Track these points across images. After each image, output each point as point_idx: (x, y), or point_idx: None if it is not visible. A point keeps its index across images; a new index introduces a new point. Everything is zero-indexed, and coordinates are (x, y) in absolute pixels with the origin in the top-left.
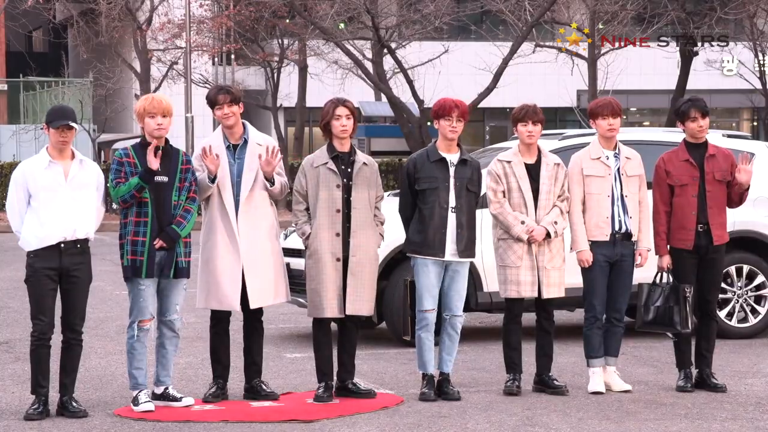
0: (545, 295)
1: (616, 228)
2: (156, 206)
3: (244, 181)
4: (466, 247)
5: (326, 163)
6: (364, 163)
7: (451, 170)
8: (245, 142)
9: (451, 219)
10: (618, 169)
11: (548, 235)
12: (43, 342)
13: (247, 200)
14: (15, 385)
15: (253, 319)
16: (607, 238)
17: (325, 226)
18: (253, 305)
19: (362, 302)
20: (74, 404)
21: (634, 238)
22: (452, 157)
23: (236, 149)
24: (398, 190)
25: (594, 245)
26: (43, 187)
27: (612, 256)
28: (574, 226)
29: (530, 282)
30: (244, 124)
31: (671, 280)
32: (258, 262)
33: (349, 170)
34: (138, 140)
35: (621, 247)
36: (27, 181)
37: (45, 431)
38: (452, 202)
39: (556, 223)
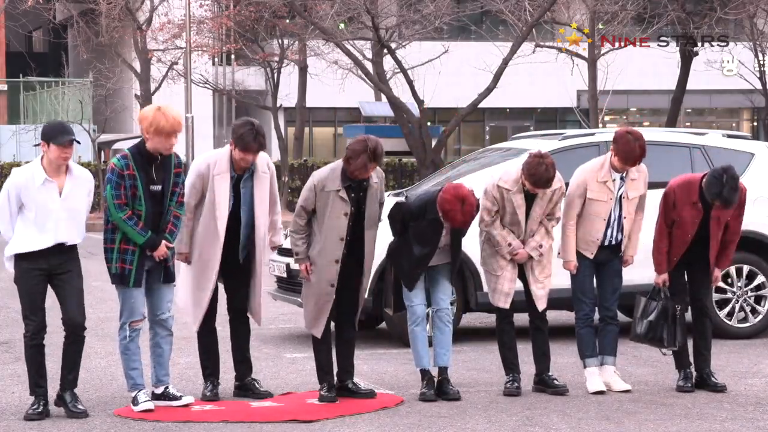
0: (540, 308)
1: (605, 244)
2: (149, 216)
3: (259, 212)
4: (453, 256)
5: (338, 190)
6: (375, 181)
7: (446, 226)
8: (251, 173)
9: (437, 253)
10: (621, 194)
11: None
12: (36, 341)
13: (260, 228)
14: (15, 385)
15: (241, 318)
16: (592, 256)
17: (327, 252)
18: (259, 322)
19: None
20: (76, 404)
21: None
22: None
23: (239, 179)
24: (397, 191)
25: (580, 254)
26: (36, 203)
27: (600, 259)
28: (567, 237)
29: (505, 293)
30: None
31: (666, 294)
32: (256, 280)
33: (361, 194)
34: (135, 145)
35: (607, 251)
36: (20, 195)
37: (45, 431)
38: (441, 243)
39: (540, 246)
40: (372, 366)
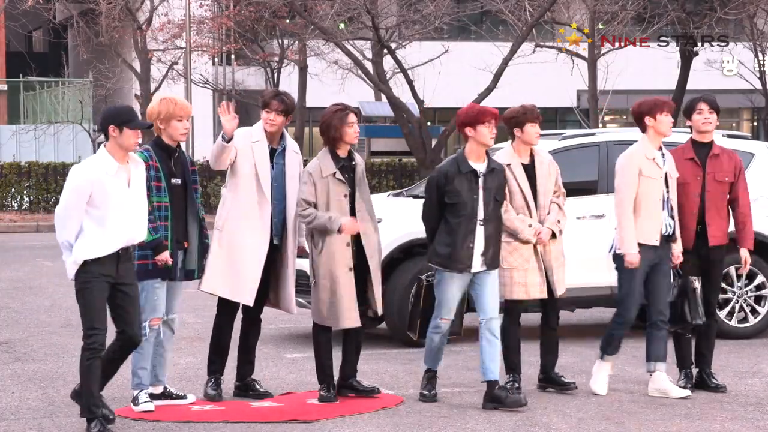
0: (558, 294)
1: (663, 231)
2: (174, 210)
3: (290, 188)
4: (493, 258)
5: (334, 173)
6: (360, 161)
7: (480, 181)
8: (283, 149)
9: (480, 232)
10: (666, 172)
11: (553, 235)
12: (99, 354)
13: (290, 206)
14: (15, 385)
15: (255, 317)
16: (657, 243)
17: (335, 238)
18: (293, 310)
19: (379, 302)
20: (108, 410)
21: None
22: (481, 166)
23: (273, 153)
24: (398, 191)
25: (641, 248)
26: (110, 195)
27: (653, 260)
28: (626, 226)
29: (539, 283)
30: (282, 132)
31: (679, 272)
32: (289, 269)
33: (351, 175)
34: (152, 140)
35: (661, 249)
36: (93, 190)
37: (45, 431)
38: (481, 214)
39: (558, 222)
40: (372, 366)
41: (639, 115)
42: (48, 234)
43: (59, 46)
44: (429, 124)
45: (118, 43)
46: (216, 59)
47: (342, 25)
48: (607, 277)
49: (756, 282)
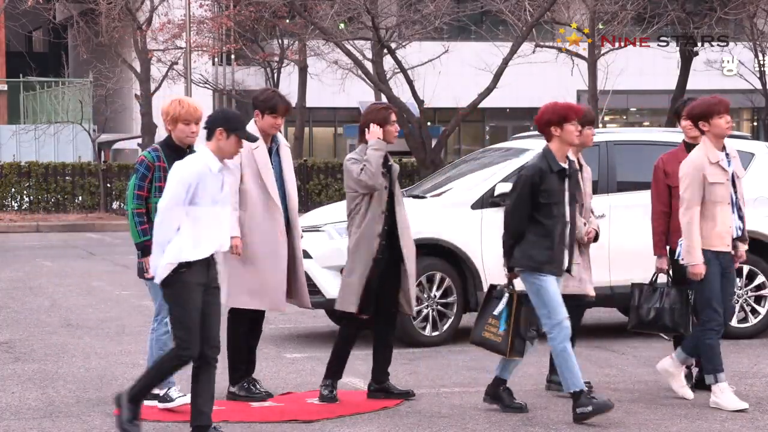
0: (592, 293)
1: (733, 234)
2: None
3: (288, 183)
4: (571, 261)
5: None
6: (393, 166)
7: (566, 182)
8: (277, 147)
9: (569, 233)
10: (732, 173)
11: (596, 237)
12: (185, 364)
13: (291, 201)
14: (15, 385)
15: (261, 319)
16: (729, 248)
17: (369, 227)
18: (308, 304)
19: (410, 302)
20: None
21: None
22: (565, 166)
23: (269, 153)
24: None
25: (714, 253)
26: (208, 194)
27: (726, 266)
28: (691, 237)
29: (577, 279)
30: None
31: (670, 281)
32: (297, 263)
33: (389, 173)
34: (163, 139)
35: (730, 255)
36: (197, 184)
37: (45, 431)
38: (567, 215)
39: (598, 225)
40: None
41: (693, 119)
42: (48, 234)
43: (59, 46)
44: (429, 124)
45: (118, 43)
46: (216, 59)
47: (342, 25)
48: (607, 277)
49: (756, 282)
